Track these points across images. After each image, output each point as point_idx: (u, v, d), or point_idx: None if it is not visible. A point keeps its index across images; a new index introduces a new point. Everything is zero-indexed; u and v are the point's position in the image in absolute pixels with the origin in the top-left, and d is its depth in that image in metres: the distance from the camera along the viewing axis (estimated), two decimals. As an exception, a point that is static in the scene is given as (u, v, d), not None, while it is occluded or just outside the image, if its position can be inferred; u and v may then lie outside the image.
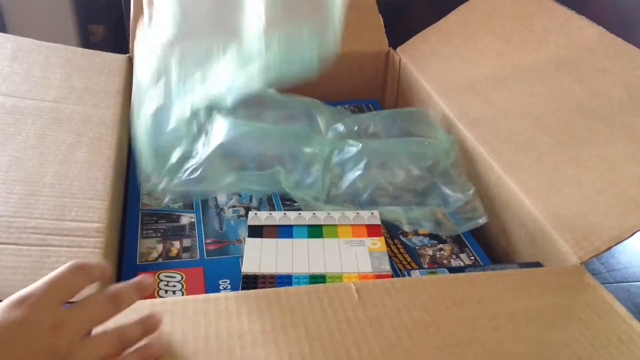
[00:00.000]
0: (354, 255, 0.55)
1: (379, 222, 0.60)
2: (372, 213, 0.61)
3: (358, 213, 0.61)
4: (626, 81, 0.58)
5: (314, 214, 0.60)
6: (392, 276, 0.54)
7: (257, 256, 0.54)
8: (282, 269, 0.53)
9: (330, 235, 0.58)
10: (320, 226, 0.59)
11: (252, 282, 0.52)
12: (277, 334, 0.39)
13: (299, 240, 0.57)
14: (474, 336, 0.40)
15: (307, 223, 0.59)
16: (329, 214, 0.60)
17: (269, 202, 0.66)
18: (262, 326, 0.39)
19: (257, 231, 0.58)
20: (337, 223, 0.59)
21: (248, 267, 0.53)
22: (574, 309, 0.44)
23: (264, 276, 0.52)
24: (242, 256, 0.55)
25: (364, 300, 0.42)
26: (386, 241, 0.61)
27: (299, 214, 0.60)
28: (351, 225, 0.59)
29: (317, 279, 0.52)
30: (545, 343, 0.40)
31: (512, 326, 0.41)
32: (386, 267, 0.54)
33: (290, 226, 0.59)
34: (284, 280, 0.52)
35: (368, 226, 0.59)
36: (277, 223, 0.60)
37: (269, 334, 0.39)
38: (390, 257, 0.57)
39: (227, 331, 0.39)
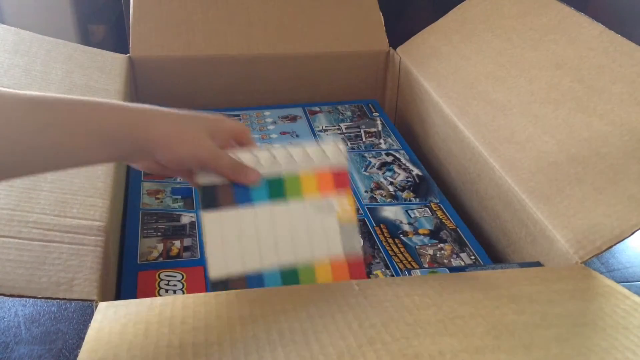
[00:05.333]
0: (323, 231, 0.50)
1: (345, 164, 0.52)
2: (338, 147, 0.52)
3: (322, 148, 0.52)
4: (626, 78, 0.58)
5: (274, 156, 0.50)
6: (365, 257, 0.52)
7: (220, 246, 0.47)
8: (250, 262, 0.47)
9: (293, 193, 0.50)
10: (281, 180, 0.50)
11: (222, 288, 0.46)
12: (278, 315, 0.40)
13: (262, 211, 0.49)
14: (476, 312, 0.41)
15: (267, 176, 0.49)
16: (289, 154, 0.51)
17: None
18: (263, 311, 0.40)
19: (211, 197, 0.48)
20: (299, 171, 0.50)
21: (215, 267, 0.46)
22: (576, 291, 0.44)
23: (233, 279, 0.47)
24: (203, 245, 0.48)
25: (364, 290, 0.43)
26: (386, 241, 0.61)
27: (255, 156, 0.50)
28: (315, 174, 0.51)
29: (289, 276, 0.48)
30: (548, 315, 0.41)
31: (515, 305, 0.42)
32: (356, 244, 0.50)
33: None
34: (254, 281, 0.47)
35: (334, 175, 0.51)
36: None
37: (269, 316, 0.39)
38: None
39: (227, 315, 0.39)
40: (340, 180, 0.51)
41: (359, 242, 0.50)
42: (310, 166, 0.51)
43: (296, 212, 0.49)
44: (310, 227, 0.49)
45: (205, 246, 0.47)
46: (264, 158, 0.50)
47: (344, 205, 0.50)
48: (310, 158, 0.51)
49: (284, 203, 0.49)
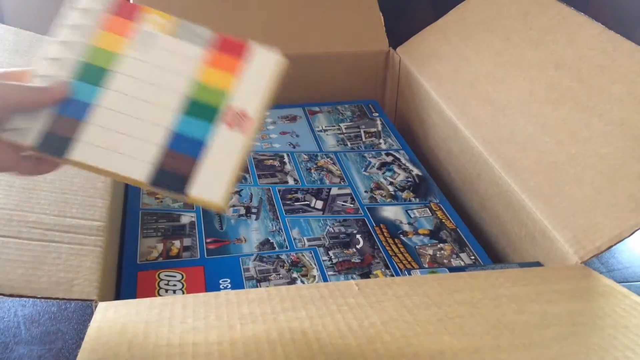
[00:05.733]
0: (169, 54, 0.45)
1: None
2: None
3: (78, 7, 0.46)
4: (626, 78, 0.58)
5: (54, 58, 0.44)
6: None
7: (119, 157, 0.41)
8: (155, 136, 0.42)
9: (105, 60, 0.44)
10: (84, 64, 0.43)
11: (165, 178, 0.40)
12: (277, 315, 0.40)
13: (108, 100, 0.42)
14: (475, 312, 0.41)
15: (72, 76, 0.43)
16: (62, 41, 0.44)
17: (269, 202, 0.66)
18: (263, 310, 0.40)
19: (54, 142, 0.41)
20: (86, 42, 0.44)
21: (137, 171, 0.40)
22: (576, 291, 0.44)
23: (164, 159, 0.41)
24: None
25: (364, 290, 0.43)
26: (386, 241, 0.61)
27: (43, 75, 0.42)
28: (98, 28, 0.45)
29: (197, 111, 0.43)
30: (548, 314, 0.41)
31: (514, 304, 0.42)
32: (201, 32, 0.46)
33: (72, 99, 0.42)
34: (181, 143, 0.42)
35: (113, 13, 0.45)
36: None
37: (269, 315, 0.40)
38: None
39: (227, 314, 0.40)
40: (124, 11, 0.46)
41: (201, 29, 0.46)
42: (89, 29, 0.45)
43: (131, 68, 0.44)
44: (155, 63, 0.44)
45: (110, 171, 0.41)
46: (50, 69, 0.43)
47: (152, 20, 0.46)
48: (82, 25, 0.45)
49: (112, 74, 0.43)
